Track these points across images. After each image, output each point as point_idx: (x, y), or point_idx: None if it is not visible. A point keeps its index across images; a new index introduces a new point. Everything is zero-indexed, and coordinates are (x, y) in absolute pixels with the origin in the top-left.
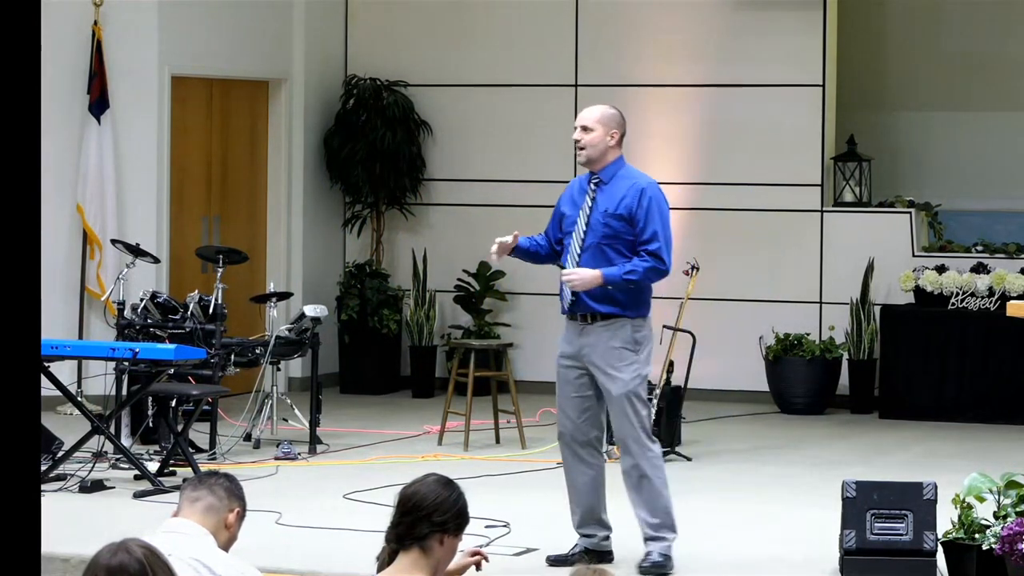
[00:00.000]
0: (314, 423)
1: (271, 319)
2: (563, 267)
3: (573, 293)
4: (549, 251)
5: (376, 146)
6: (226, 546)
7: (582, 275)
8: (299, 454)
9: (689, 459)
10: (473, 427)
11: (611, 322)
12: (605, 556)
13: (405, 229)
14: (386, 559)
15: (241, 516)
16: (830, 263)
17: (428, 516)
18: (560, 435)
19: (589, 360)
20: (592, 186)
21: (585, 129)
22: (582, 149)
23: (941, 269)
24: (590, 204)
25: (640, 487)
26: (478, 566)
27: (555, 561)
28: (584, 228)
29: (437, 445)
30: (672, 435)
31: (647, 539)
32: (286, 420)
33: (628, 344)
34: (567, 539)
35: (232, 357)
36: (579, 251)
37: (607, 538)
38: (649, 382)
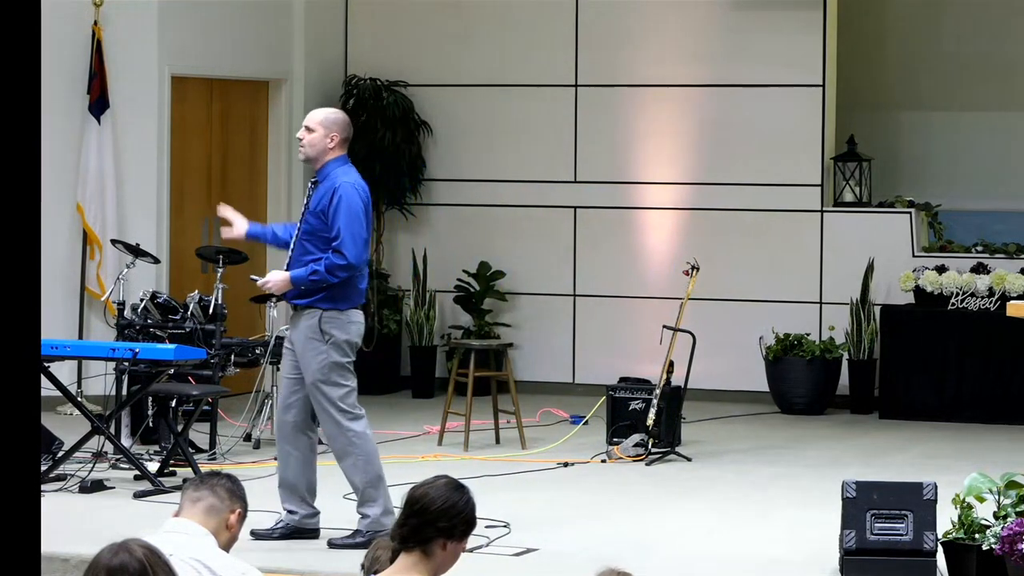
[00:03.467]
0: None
1: (271, 319)
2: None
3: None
4: (279, 241)
5: (376, 146)
6: (227, 546)
7: (275, 280)
8: None
9: (689, 459)
10: (473, 427)
11: (305, 312)
12: (309, 533)
13: (405, 229)
14: (386, 559)
15: (242, 517)
16: (830, 263)
17: (434, 521)
18: (277, 413)
19: (295, 346)
20: (312, 184)
21: (308, 129)
22: (302, 148)
23: (941, 269)
24: (306, 201)
25: (342, 464)
26: None
27: (259, 536)
28: (299, 223)
29: (437, 445)
30: (672, 435)
31: (359, 513)
32: None
33: (315, 334)
34: (567, 539)
35: (232, 357)
36: (293, 245)
37: (311, 516)
38: (649, 382)
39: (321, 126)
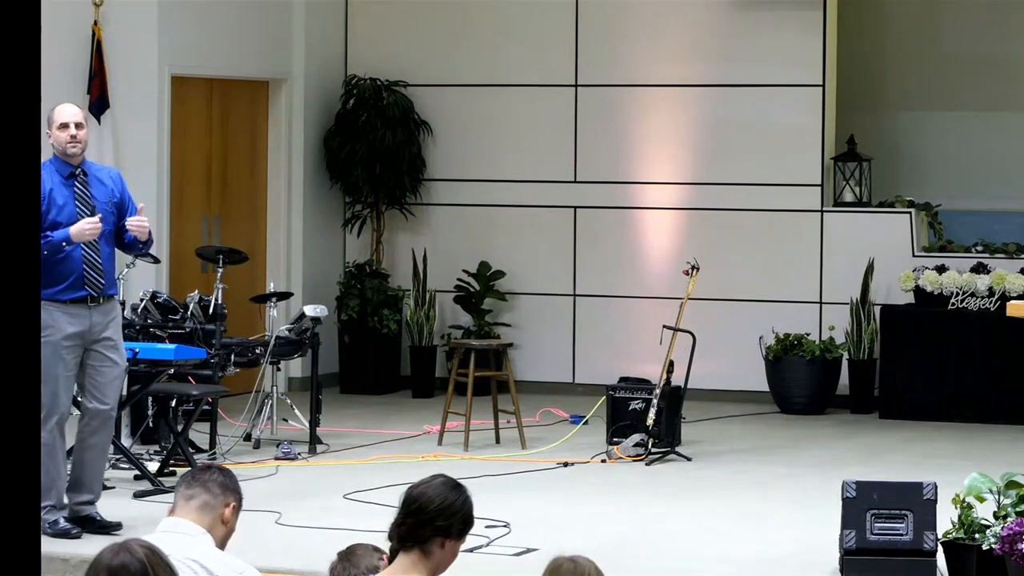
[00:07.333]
0: (314, 423)
1: (271, 319)
2: (89, 257)
3: (102, 277)
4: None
5: (376, 146)
6: (224, 540)
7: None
8: (299, 454)
9: (689, 459)
10: (473, 427)
11: (112, 300)
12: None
13: (405, 229)
14: (387, 555)
15: (237, 509)
16: (830, 263)
17: (432, 520)
18: (56, 415)
19: (100, 336)
20: (82, 177)
21: (79, 126)
22: (80, 143)
23: (941, 269)
24: (88, 196)
25: (104, 454)
26: None
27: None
28: (91, 214)
29: (437, 445)
30: (672, 435)
31: (93, 502)
32: (286, 420)
33: (121, 321)
34: (567, 539)
35: (232, 357)
36: (96, 241)
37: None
38: (649, 382)
39: (86, 121)
